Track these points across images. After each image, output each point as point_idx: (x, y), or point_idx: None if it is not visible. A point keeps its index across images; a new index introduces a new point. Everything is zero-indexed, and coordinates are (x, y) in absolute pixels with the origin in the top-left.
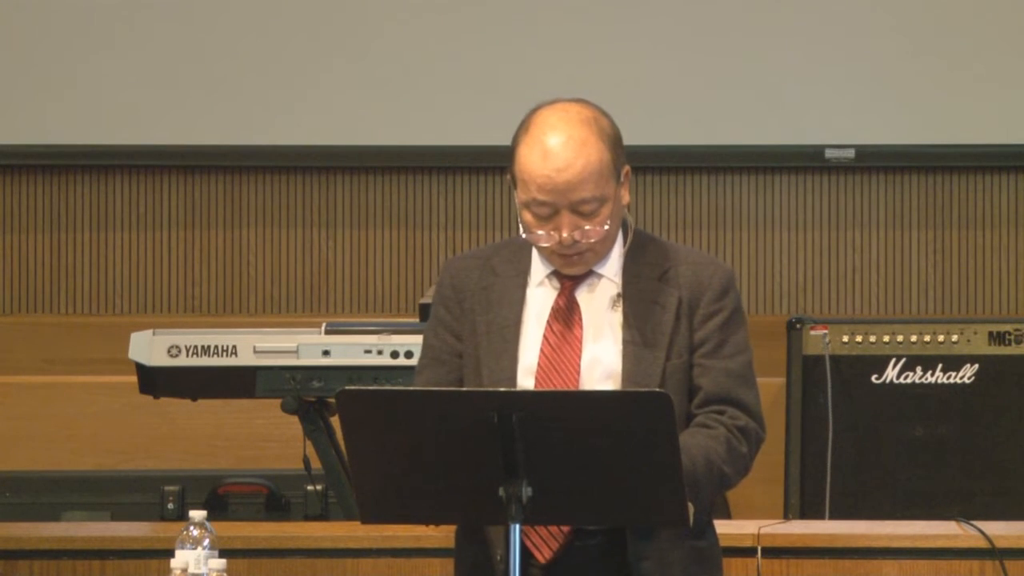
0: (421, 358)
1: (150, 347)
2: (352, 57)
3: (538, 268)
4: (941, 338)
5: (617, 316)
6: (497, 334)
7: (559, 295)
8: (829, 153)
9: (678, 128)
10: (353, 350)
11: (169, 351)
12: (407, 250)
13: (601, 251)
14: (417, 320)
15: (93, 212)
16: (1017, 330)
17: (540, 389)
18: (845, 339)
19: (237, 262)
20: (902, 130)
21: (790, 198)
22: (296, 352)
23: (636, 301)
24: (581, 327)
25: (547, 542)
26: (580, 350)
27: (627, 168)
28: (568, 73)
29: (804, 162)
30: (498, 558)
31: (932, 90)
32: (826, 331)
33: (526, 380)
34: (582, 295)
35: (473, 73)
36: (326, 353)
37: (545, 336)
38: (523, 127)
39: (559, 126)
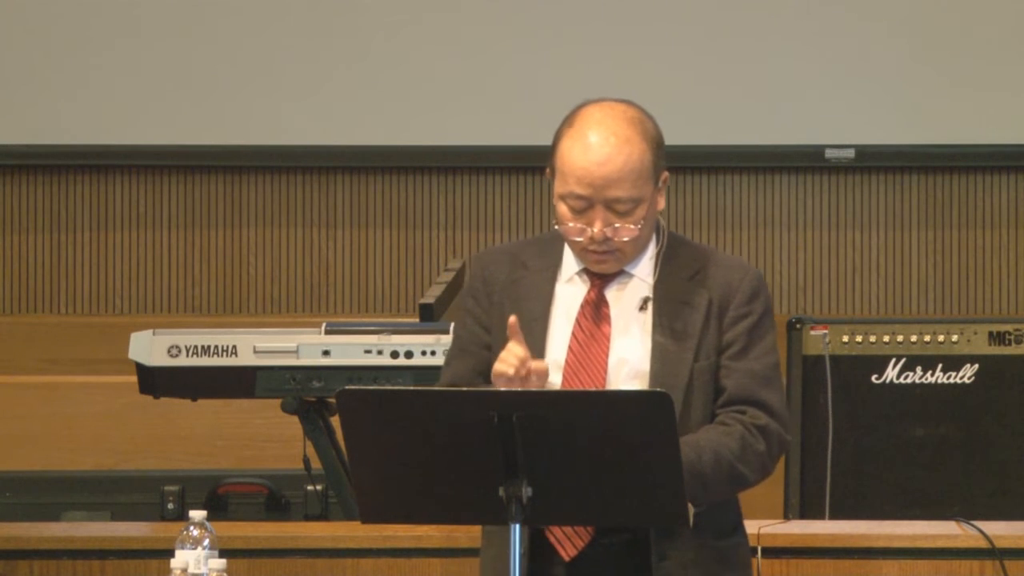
0: (450, 349)
1: (150, 347)
2: (352, 57)
3: (569, 264)
4: (941, 338)
5: (646, 316)
6: (525, 328)
7: (589, 291)
8: (829, 153)
9: (678, 128)
10: (353, 350)
11: (169, 351)
12: (407, 250)
13: (631, 253)
14: (417, 320)
15: (93, 212)
16: (1017, 330)
17: (544, 389)
18: (845, 339)
19: (237, 262)
20: (902, 130)
21: (790, 198)
22: (296, 352)
23: (666, 301)
24: (610, 325)
25: (571, 540)
26: (608, 349)
27: (665, 174)
28: (568, 74)
29: (804, 162)
30: (521, 552)
31: (932, 90)
32: (826, 331)
33: (553, 376)
34: (612, 293)
35: (473, 73)
36: (326, 353)
37: (574, 333)
38: (567, 121)
39: (605, 122)
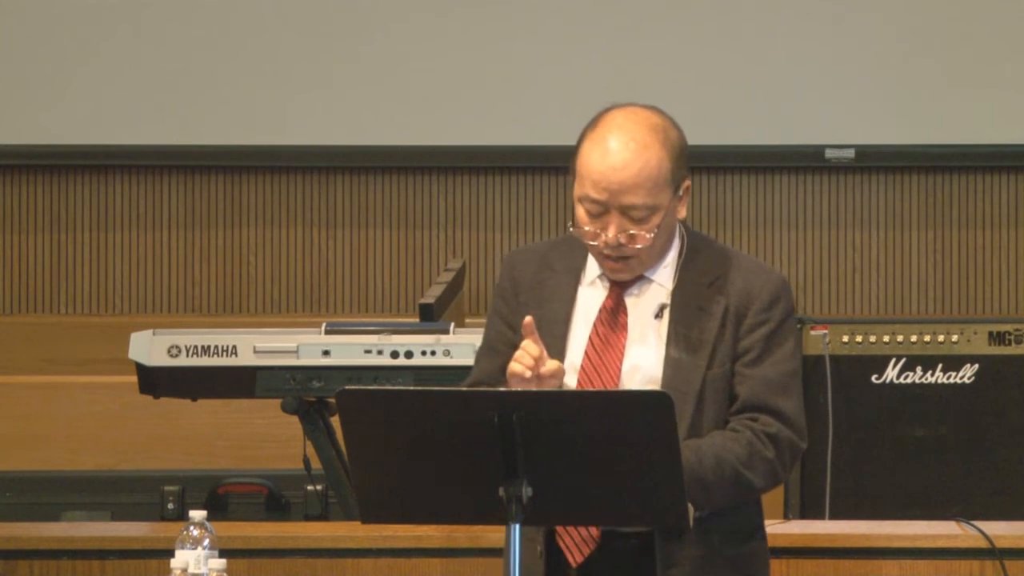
0: (480, 347)
1: (150, 347)
2: (352, 57)
3: (592, 267)
4: (941, 338)
5: (662, 323)
6: (547, 330)
7: (608, 297)
8: (829, 153)
9: None
10: (353, 350)
11: (169, 351)
12: (407, 250)
13: (647, 260)
14: (417, 320)
15: (93, 212)
16: (1017, 330)
17: (543, 390)
18: (845, 339)
19: (237, 262)
20: (902, 130)
21: (790, 198)
22: (296, 352)
23: (682, 307)
24: (626, 331)
25: (579, 546)
26: (622, 355)
27: (688, 183)
28: (568, 74)
29: (804, 162)
30: (539, 553)
31: (932, 90)
32: (826, 331)
33: (570, 378)
34: (630, 299)
35: (473, 73)
36: (326, 353)
37: (590, 338)
38: (591, 123)
39: (626, 127)
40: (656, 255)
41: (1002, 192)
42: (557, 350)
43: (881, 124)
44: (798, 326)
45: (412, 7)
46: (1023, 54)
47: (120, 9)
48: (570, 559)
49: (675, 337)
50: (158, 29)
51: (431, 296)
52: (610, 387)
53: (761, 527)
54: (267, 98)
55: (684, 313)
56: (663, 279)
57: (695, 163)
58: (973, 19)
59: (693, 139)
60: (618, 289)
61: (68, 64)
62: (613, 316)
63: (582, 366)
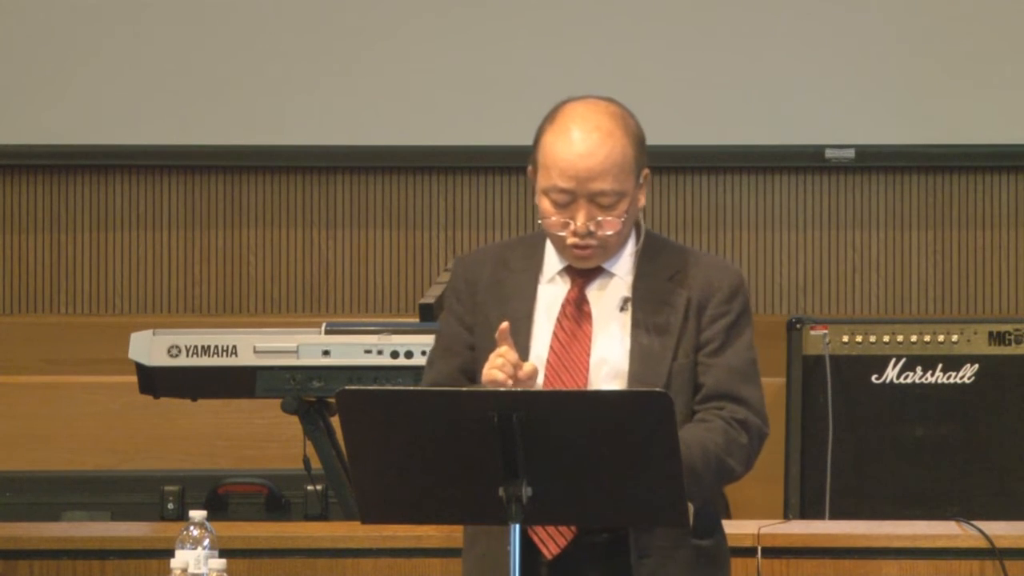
0: (433, 349)
1: (150, 347)
2: (352, 57)
3: (551, 264)
4: (941, 338)
5: (626, 315)
6: (510, 328)
7: (570, 291)
8: (829, 153)
9: (678, 128)
10: (353, 350)
11: (169, 351)
12: (407, 250)
13: (612, 248)
14: (417, 320)
15: (93, 212)
16: (1017, 330)
17: (540, 389)
18: (845, 339)
19: (237, 262)
20: (902, 130)
21: (790, 198)
22: (296, 352)
23: (645, 301)
24: (591, 325)
25: (554, 538)
26: (589, 348)
27: (647, 171)
28: (568, 73)
29: (804, 162)
30: (507, 550)
31: (932, 90)
32: (826, 331)
33: None
34: (592, 293)
35: (473, 73)
36: (326, 353)
37: (555, 333)
38: (550, 116)
39: (588, 116)
40: (622, 241)
41: (1002, 192)
42: (521, 347)
43: (881, 124)
44: (797, 326)
45: (412, 7)
46: (1023, 54)
47: (120, 9)
48: (544, 551)
49: (640, 331)
50: (158, 29)
51: (431, 296)
52: (579, 381)
53: (720, 525)
54: (267, 98)
55: (647, 307)
56: (623, 270)
57: (695, 163)
58: (973, 19)
59: (693, 139)
60: (580, 282)
61: (68, 64)
62: (577, 309)
63: (548, 360)
